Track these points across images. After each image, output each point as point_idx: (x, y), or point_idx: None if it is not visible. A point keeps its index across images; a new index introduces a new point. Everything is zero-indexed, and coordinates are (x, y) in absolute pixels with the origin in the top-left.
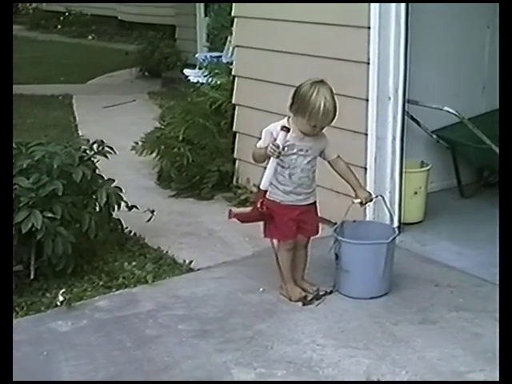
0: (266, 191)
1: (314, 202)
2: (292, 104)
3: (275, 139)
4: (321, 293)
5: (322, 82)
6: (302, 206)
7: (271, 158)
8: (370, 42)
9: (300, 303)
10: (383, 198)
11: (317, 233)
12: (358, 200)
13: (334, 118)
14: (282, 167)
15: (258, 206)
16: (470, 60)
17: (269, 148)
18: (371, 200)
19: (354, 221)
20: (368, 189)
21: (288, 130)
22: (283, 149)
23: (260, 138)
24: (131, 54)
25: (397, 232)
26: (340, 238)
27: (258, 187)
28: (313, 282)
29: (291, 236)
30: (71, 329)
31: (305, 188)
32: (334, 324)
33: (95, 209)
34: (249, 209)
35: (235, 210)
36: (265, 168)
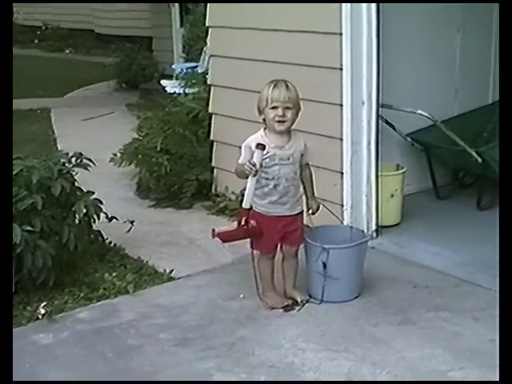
0: (249, 208)
1: (301, 212)
2: (258, 108)
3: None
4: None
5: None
6: (288, 216)
7: (249, 177)
8: (342, 48)
9: (281, 309)
10: (324, 205)
11: (301, 242)
12: (311, 211)
13: (291, 94)
14: (267, 179)
15: (243, 223)
16: (441, 64)
17: (245, 167)
18: (317, 210)
19: (310, 227)
20: (345, 193)
21: (263, 146)
22: (261, 165)
23: (236, 146)
24: (109, 66)
25: (355, 230)
26: (328, 246)
27: (241, 203)
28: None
29: (274, 248)
30: (53, 341)
31: (290, 196)
32: (314, 328)
33: (74, 221)
34: (233, 227)
35: (219, 229)
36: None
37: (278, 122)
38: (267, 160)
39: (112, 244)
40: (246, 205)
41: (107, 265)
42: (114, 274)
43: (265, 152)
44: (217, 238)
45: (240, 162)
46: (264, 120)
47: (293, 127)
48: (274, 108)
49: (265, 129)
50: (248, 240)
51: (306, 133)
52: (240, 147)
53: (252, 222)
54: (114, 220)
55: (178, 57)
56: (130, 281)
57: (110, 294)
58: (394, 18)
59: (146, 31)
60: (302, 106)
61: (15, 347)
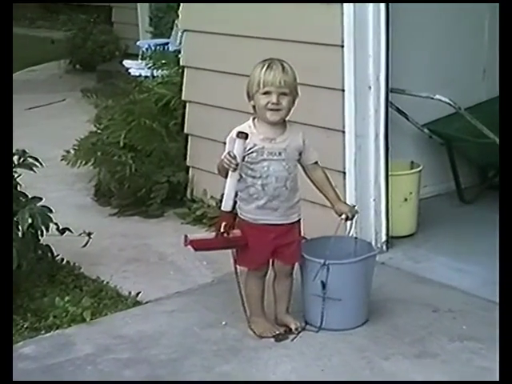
0: (231, 212)
1: (298, 221)
2: (247, 93)
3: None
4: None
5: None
6: (281, 225)
7: (229, 172)
8: (343, 20)
9: (272, 339)
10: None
11: (297, 259)
12: (344, 216)
13: (288, 77)
14: (253, 177)
15: (222, 230)
16: (466, 37)
17: (224, 159)
18: (355, 213)
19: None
20: (348, 197)
21: (246, 135)
22: (243, 159)
23: (217, 141)
24: (58, 42)
25: (361, 241)
26: (327, 260)
27: (219, 207)
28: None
29: (264, 264)
30: None
31: (283, 201)
32: (312, 361)
33: (17, 234)
34: (211, 235)
35: (192, 236)
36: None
37: (271, 110)
38: (254, 154)
39: (64, 261)
40: (225, 207)
41: (58, 287)
42: (66, 299)
43: (248, 141)
44: (189, 247)
45: (223, 157)
46: (254, 107)
47: (288, 117)
48: (266, 93)
49: (254, 118)
50: (232, 254)
51: (298, 124)
52: (222, 142)
53: (236, 230)
54: (66, 232)
55: (145, 31)
56: (87, 306)
57: (61, 322)
58: None
59: None
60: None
61: None
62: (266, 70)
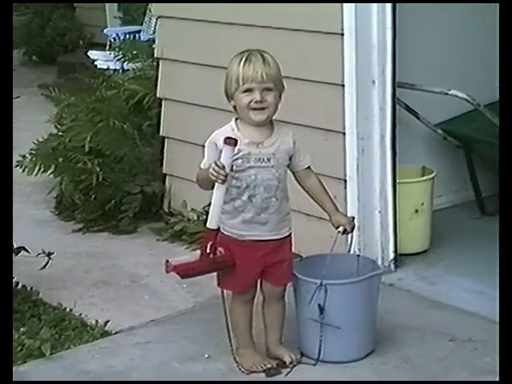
0: (217, 229)
1: (289, 236)
2: (225, 92)
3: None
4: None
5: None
6: (270, 241)
7: (216, 185)
8: (343, 4)
9: (262, 374)
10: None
11: (289, 280)
12: (341, 228)
13: (270, 70)
14: (239, 188)
15: (208, 250)
16: (486, 23)
17: (210, 170)
18: (354, 226)
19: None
20: (349, 208)
21: (235, 141)
22: (232, 168)
23: (198, 145)
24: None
25: (364, 259)
26: (327, 281)
27: (205, 223)
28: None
29: (251, 287)
30: None
31: (272, 213)
32: None
33: None
34: (195, 256)
35: (175, 260)
36: None
37: (256, 109)
38: (239, 161)
39: (20, 286)
40: (211, 224)
41: (13, 316)
42: (22, 330)
43: (236, 149)
44: (173, 273)
45: (203, 166)
46: (235, 108)
47: (275, 116)
48: (248, 91)
49: (237, 119)
50: (215, 276)
51: (292, 125)
52: (203, 146)
53: (220, 249)
54: (22, 252)
55: (113, 17)
56: (47, 338)
57: (16, 358)
58: None
59: None
60: (285, 85)
61: None
62: (245, 63)
